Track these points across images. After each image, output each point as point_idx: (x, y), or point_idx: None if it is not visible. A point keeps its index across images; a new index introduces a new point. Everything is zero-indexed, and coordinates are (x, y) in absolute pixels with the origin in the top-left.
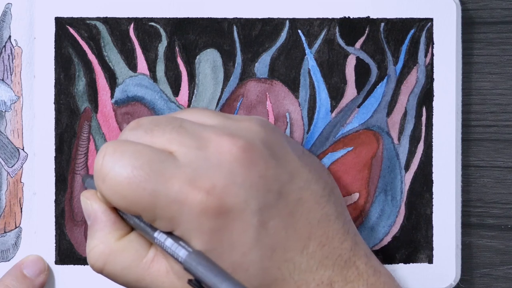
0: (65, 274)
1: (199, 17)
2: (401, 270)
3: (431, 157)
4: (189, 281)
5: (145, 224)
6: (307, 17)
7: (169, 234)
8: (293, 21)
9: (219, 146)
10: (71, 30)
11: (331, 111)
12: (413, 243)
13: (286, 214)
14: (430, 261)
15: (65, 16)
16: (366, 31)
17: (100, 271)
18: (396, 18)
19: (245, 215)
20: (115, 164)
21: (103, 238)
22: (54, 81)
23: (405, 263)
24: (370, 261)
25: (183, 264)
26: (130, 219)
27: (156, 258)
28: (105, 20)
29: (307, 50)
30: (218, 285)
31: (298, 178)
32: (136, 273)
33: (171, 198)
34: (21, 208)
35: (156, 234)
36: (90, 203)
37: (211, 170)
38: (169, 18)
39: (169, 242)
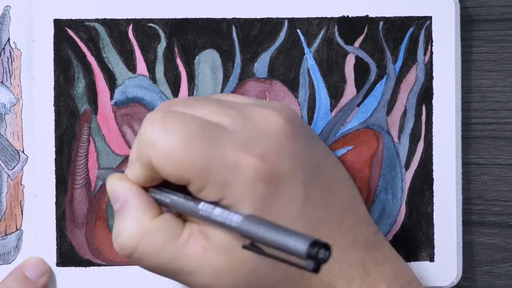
0: (66, 276)
1: (197, 17)
2: None
3: (431, 155)
4: (245, 246)
5: (186, 199)
6: (306, 16)
7: (215, 204)
8: (292, 21)
9: (264, 117)
10: (70, 32)
11: (331, 110)
12: (414, 242)
13: (325, 189)
14: (431, 259)
15: (64, 18)
16: (365, 30)
17: (131, 252)
18: (395, 17)
19: (293, 184)
20: (166, 130)
21: (137, 217)
22: (53, 83)
23: (406, 261)
24: (391, 248)
25: (239, 228)
26: (166, 197)
27: (192, 237)
28: (104, 22)
29: (306, 50)
30: (286, 241)
31: (329, 159)
32: (171, 252)
33: (225, 162)
34: (22, 211)
35: (201, 206)
36: (120, 184)
37: (261, 138)
38: (168, 19)
39: (217, 211)
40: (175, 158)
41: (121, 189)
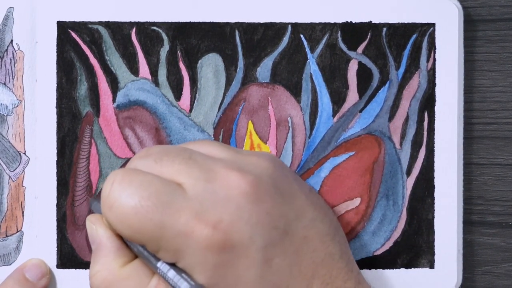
0: (66, 278)
1: (201, 21)
2: (403, 275)
3: (433, 162)
4: None
5: (149, 253)
6: (309, 21)
7: (172, 265)
8: (295, 26)
9: (228, 180)
10: (73, 34)
11: (333, 116)
12: (414, 248)
13: (291, 252)
14: (431, 266)
15: (67, 20)
16: (368, 36)
17: None
18: (398, 23)
19: (250, 252)
20: (122, 193)
21: (107, 264)
22: (56, 85)
23: (406, 268)
24: None
25: None
26: (134, 247)
27: (158, 287)
28: (107, 24)
29: (309, 55)
30: None
31: (304, 216)
32: None
33: (177, 230)
34: (23, 212)
35: (159, 264)
36: (95, 228)
37: (218, 204)
38: (171, 22)
39: (171, 273)
40: (129, 222)
41: (96, 233)
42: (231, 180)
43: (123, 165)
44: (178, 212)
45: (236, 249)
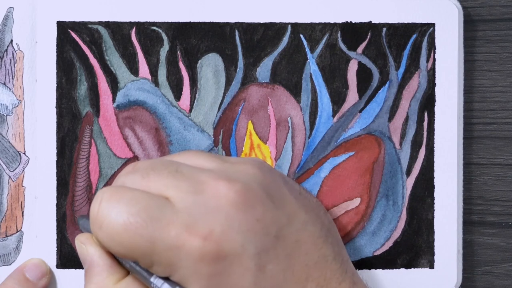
0: (66, 278)
1: (201, 21)
2: (402, 275)
3: (433, 162)
4: None
5: (142, 269)
6: (309, 21)
7: (166, 279)
8: (295, 26)
9: (216, 190)
10: (73, 34)
11: (333, 116)
12: (414, 248)
13: (283, 257)
14: (431, 266)
15: (67, 20)
16: (368, 36)
17: None
18: (398, 23)
19: (243, 260)
20: (111, 211)
21: (101, 282)
22: (55, 85)
23: (406, 268)
24: None
25: None
26: (126, 263)
27: None
28: (107, 24)
29: (309, 55)
30: None
31: (296, 220)
32: None
33: (169, 244)
34: (23, 212)
35: (152, 279)
36: (85, 248)
37: (208, 215)
38: (171, 22)
39: (165, 287)
40: (120, 239)
41: (86, 252)
42: (219, 190)
43: (123, 166)
44: (168, 226)
45: (228, 258)
